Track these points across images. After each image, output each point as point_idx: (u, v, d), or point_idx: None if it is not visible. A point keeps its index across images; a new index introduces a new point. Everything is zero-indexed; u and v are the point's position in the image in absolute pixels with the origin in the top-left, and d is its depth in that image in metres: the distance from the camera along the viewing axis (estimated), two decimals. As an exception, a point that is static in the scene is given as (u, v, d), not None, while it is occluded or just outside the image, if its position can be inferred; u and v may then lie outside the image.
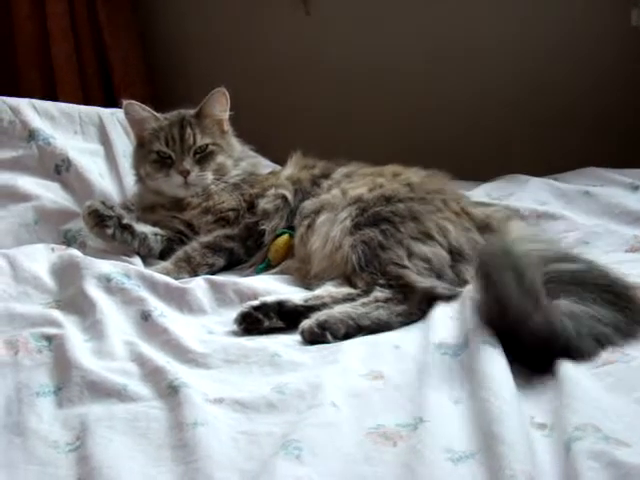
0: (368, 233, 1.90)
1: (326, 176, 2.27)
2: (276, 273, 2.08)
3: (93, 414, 1.35)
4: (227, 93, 2.32)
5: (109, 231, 2.12)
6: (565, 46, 3.07)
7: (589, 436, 1.12)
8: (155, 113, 2.32)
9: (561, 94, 3.08)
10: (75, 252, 1.99)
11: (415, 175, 2.15)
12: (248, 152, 2.46)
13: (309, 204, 2.16)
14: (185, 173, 2.24)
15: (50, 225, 2.24)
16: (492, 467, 1.05)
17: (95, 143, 2.57)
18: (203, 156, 2.29)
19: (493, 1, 3.14)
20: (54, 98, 3.06)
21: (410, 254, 1.84)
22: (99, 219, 2.12)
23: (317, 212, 2.09)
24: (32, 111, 2.53)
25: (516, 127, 3.12)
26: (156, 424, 1.32)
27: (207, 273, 2.06)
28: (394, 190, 2.03)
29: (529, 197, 2.37)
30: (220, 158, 2.31)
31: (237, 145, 2.41)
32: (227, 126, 2.38)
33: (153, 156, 2.29)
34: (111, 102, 3.23)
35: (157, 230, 2.23)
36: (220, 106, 2.34)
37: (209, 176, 2.27)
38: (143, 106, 2.32)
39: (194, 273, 2.05)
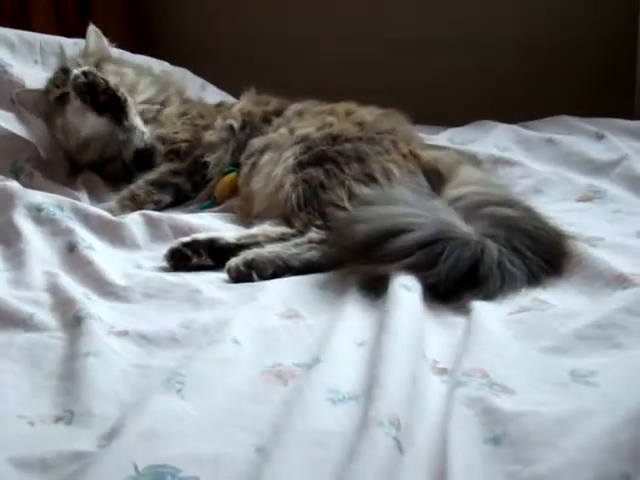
0: (311, 172, 1.84)
1: (278, 113, 2.20)
2: (220, 211, 2.03)
3: (-9, 342, 1.32)
4: (97, 28, 2.36)
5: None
6: None
7: (473, 382, 1.07)
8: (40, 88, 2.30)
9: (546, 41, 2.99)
10: (12, 183, 1.94)
11: (369, 114, 2.07)
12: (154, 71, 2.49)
13: (256, 142, 2.10)
14: None
15: (-2, 154, 2.20)
16: (365, 409, 1.01)
17: (55, 73, 2.51)
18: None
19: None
20: (28, 22, 3.01)
21: (351, 196, 1.78)
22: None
23: (262, 151, 2.03)
24: (-9, 38, 2.47)
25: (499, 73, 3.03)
26: (52, 354, 1.28)
27: (154, 210, 2.01)
28: (342, 129, 1.96)
29: (491, 143, 2.30)
30: (112, 67, 2.28)
31: (132, 65, 2.41)
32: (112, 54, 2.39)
33: (55, 107, 2.23)
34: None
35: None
36: (96, 40, 2.35)
37: (110, 78, 2.18)
38: (28, 89, 2.30)
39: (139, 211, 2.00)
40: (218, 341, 1.28)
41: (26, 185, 2.02)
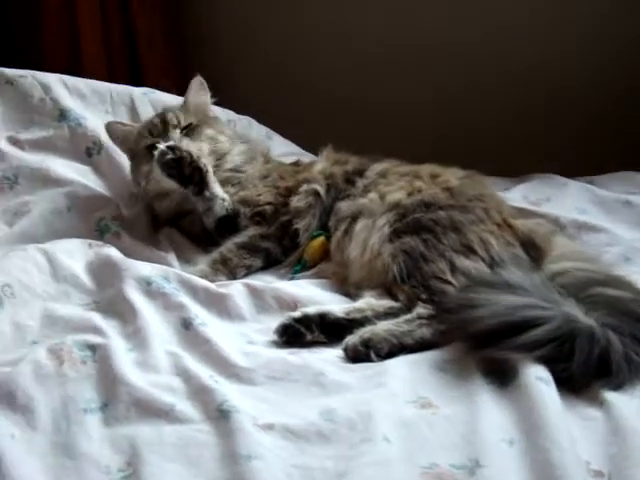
0: (409, 242, 1.86)
1: (360, 173, 2.22)
2: (312, 276, 2.04)
3: (142, 436, 1.33)
4: (204, 81, 2.37)
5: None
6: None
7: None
8: (134, 124, 2.34)
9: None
10: (112, 250, 1.96)
11: (453, 177, 2.10)
12: (246, 137, 2.49)
13: (345, 206, 2.11)
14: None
15: (83, 213, 2.20)
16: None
17: (126, 124, 2.53)
18: (190, 131, 2.25)
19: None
20: (79, 68, 3.02)
21: (453, 268, 1.81)
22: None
23: (354, 218, 2.04)
24: (63, 88, 2.49)
25: (553, 123, 3.07)
26: (207, 452, 1.30)
27: (245, 275, 2.04)
28: (434, 196, 1.99)
29: (568, 203, 2.33)
30: (210, 131, 2.29)
31: (228, 128, 2.43)
32: (213, 113, 2.40)
33: (143, 154, 2.24)
34: (136, 76, 3.18)
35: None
36: (198, 92, 2.37)
37: (204, 146, 2.22)
38: (122, 122, 2.36)
39: (232, 275, 2.03)
40: (369, 440, 1.31)
41: (114, 245, 2.06)
